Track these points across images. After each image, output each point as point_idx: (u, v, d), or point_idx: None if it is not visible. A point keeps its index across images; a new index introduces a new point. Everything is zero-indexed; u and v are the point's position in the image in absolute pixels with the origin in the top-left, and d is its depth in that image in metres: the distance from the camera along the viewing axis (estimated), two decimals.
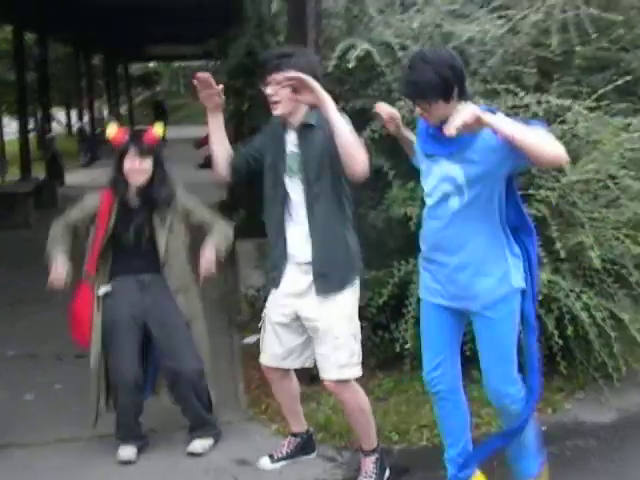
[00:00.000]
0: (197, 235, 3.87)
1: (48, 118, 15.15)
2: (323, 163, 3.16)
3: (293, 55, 3.20)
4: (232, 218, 4.99)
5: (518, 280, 2.98)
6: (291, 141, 3.28)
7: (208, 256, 3.66)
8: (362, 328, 4.22)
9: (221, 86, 3.23)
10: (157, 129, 3.71)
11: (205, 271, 3.66)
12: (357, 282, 3.38)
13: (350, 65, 3.97)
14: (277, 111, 3.22)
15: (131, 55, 24.35)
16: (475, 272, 2.93)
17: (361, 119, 4.29)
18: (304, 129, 3.22)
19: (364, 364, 3.92)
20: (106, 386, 3.84)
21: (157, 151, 3.71)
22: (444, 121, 2.79)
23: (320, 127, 3.16)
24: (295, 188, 3.27)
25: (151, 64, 31.40)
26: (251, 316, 5.78)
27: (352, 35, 4.35)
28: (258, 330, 5.40)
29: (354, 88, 4.46)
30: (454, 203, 2.88)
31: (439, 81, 2.75)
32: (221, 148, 3.42)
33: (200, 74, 3.18)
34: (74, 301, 3.81)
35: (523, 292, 3.01)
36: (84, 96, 20.52)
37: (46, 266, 3.68)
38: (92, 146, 18.33)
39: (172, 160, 4.32)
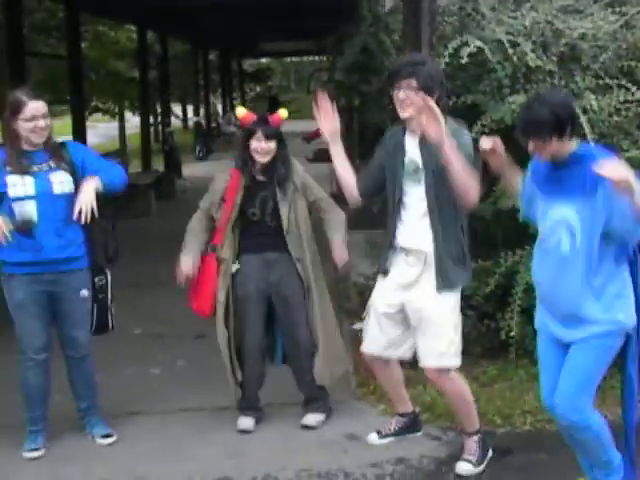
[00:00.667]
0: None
1: (167, 113, 15.86)
2: (440, 172, 3.35)
3: (425, 63, 3.47)
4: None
5: (623, 319, 3.02)
6: (411, 147, 3.51)
7: (339, 253, 4.02)
8: (469, 317, 4.37)
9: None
10: (282, 114, 3.99)
11: (340, 262, 4.03)
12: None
13: (463, 61, 4.12)
14: (406, 113, 3.44)
15: (245, 51, 25.04)
16: (582, 307, 3.01)
17: (472, 114, 4.45)
18: (426, 138, 3.40)
19: (470, 352, 4.11)
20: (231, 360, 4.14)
21: (281, 134, 3.98)
22: (557, 158, 2.98)
23: None
24: (411, 189, 3.50)
25: (263, 60, 32.14)
26: (359, 304, 6.01)
27: (464, 32, 4.49)
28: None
29: (465, 83, 4.60)
30: (566, 246, 2.97)
31: (553, 119, 2.91)
32: (347, 176, 3.67)
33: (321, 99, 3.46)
34: (199, 272, 4.10)
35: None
36: (200, 91, 21.28)
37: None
38: (207, 140, 19.02)
39: None
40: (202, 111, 21.73)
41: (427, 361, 3.57)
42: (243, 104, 28.46)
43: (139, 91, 14.00)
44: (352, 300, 6.13)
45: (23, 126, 3.75)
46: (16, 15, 8.24)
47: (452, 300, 3.53)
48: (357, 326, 5.73)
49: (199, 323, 5.89)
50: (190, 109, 26.45)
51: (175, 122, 22.74)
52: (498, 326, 4.56)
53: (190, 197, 13.25)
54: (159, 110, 15.77)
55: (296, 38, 19.55)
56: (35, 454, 3.92)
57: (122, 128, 18.63)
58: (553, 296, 3.09)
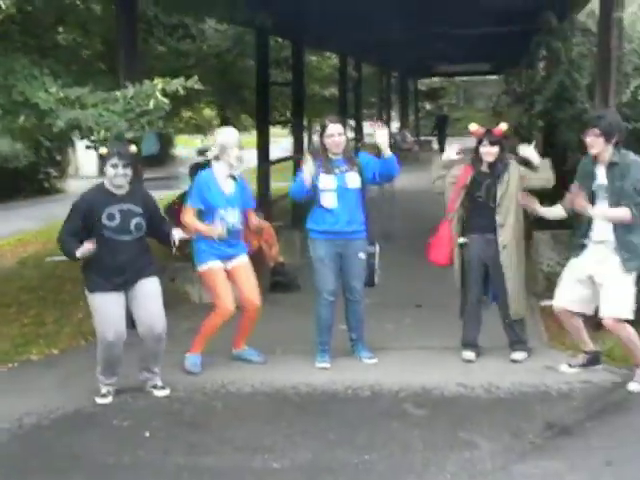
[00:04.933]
0: None
1: (360, 129, 17.78)
2: (623, 191, 4.93)
3: (605, 117, 5.13)
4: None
5: None
6: (600, 173, 5.09)
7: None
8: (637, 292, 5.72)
9: None
10: (502, 127, 5.57)
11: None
12: None
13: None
14: (593, 151, 5.04)
15: (421, 72, 26.78)
16: None
17: None
18: (611, 166, 4.99)
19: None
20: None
21: (501, 140, 5.57)
22: None
23: (622, 164, 4.97)
24: (600, 203, 5.08)
25: (435, 79, 33.71)
26: (546, 287, 7.48)
27: None
28: (551, 297, 7.09)
29: None
30: None
31: None
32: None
33: None
34: (436, 232, 5.77)
35: None
36: (382, 109, 23.17)
37: None
38: None
39: None
40: None
41: (608, 313, 5.07)
42: (417, 121, 30.24)
43: (337, 110, 15.94)
44: (539, 284, 7.60)
45: (326, 141, 5.59)
46: (264, 54, 10.32)
47: (630, 275, 5.06)
48: (544, 303, 7.21)
49: (416, 297, 7.62)
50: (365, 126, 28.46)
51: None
52: None
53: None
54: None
55: (471, 61, 21.04)
56: (324, 364, 5.71)
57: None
58: None
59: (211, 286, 5.65)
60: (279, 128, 19.44)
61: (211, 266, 5.58)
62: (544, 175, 5.62)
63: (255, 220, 5.90)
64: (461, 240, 5.71)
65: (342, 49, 14.76)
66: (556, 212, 5.46)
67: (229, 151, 5.55)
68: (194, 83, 5.55)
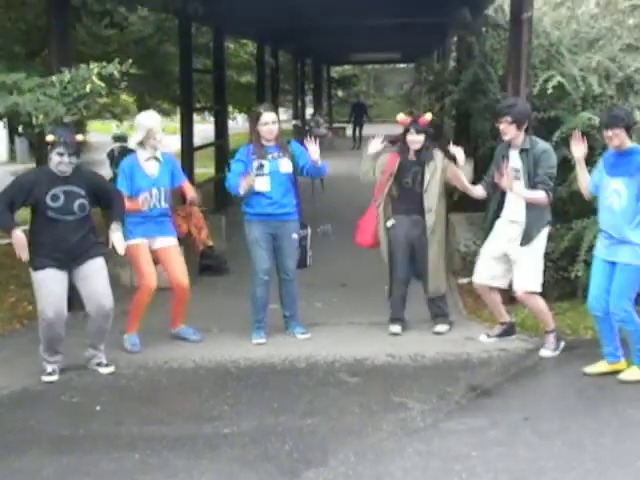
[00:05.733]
0: None
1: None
2: (534, 170, 5.42)
3: (516, 105, 5.56)
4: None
5: None
6: (513, 157, 5.55)
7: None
8: (548, 268, 6.26)
9: None
10: (427, 117, 5.96)
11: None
12: (546, 233, 5.58)
13: (548, 92, 6.13)
14: (506, 137, 5.51)
15: (335, 60, 27.22)
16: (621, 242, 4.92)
17: (554, 124, 6.41)
18: (523, 151, 5.49)
19: (549, 295, 6.03)
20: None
21: (427, 129, 5.95)
22: (619, 149, 4.88)
23: (531, 150, 5.45)
24: (515, 184, 5.48)
25: (348, 67, 34.26)
26: (463, 266, 7.99)
27: (550, 67, 6.48)
28: (468, 275, 7.58)
29: (550, 102, 6.57)
30: (616, 204, 4.90)
31: (625, 117, 4.92)
32: None
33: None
34: (363, 216, 6.15)
35: None
36: (297, 97, 23.45)
37: None
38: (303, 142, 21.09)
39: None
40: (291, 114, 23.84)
41: (520, 287, 5.56)
42: (330, 108, 30.69)
43: (255, 96, 16.14)
44: (456, 263, 8.10)
45: (261, 128, 5.87)
46: (187, 40, 10.46)
47: (539, 250, 5.56)
48: (461, 281, 7.72)
49: (340, 277, 7.99)
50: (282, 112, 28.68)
51: None
52: (570, 276, 6.46)
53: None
54: None
55: (384, 50, 21.60)
56: (260, 340, 6.02)
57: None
58: (607, 231, 5.02)
59: (134, 262, 5.88)
60: (194, 115, 19.51)
61: (135, 242, 5.79)
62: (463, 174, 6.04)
63: (191, 192, 6.13)
64: (389, 223, 6.08)
65: (260, 36, 14.96)
66: (478, 191, 5.85)
67: (156, 135, 5.78)
68: (129, 67, 5.72)
